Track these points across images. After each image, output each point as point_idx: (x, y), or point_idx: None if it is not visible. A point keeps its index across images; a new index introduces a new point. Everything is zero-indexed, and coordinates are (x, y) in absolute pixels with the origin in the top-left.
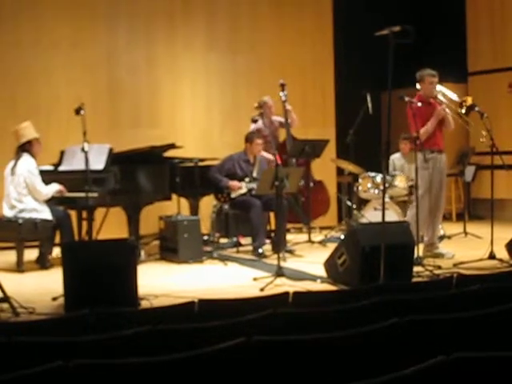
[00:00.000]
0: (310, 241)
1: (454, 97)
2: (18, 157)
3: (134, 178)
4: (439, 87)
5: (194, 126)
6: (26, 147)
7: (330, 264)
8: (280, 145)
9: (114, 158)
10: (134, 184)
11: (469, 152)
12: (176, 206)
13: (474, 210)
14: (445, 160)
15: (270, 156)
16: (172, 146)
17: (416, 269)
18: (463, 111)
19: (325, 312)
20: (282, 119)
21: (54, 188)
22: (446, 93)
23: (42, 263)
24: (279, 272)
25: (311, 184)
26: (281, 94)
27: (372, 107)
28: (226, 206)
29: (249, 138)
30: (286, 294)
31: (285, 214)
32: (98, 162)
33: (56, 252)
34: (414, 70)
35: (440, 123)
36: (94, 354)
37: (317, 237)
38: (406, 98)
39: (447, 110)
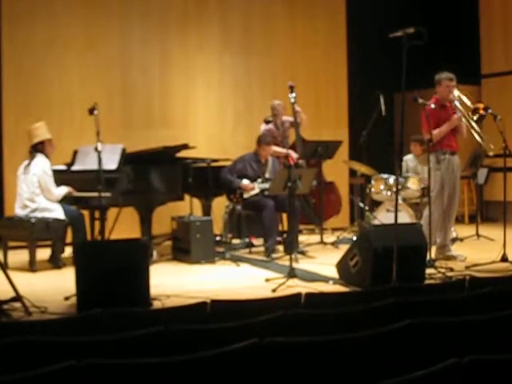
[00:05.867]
0: (322, 242)
1: (469, 103)
2: (32, 156)
3: (147, 178)
4: (457, 92)
5: (207, 127)
6: (38, 148)
7: (342, 265)
8: (290, 147)
9: (126, 158)
10: (146, 184)
11: (481, 154)
12: (188, 207)
13: (487, 212)
14: (458, 161)
15: (282, 150)
16: (185, 147)
17: (428, 271)
18: (475, 118)
19: (337, 313)
20: (292, 119)
21: (64, 190)
22: (463, 98)
23: (55, 262)
24: (291, 273)
25: (322, 185)
26: (290, 95)
27: (385, 108)
28: (239, 207)
29: (259, 141)
30: (299, 295)
31: (297, 215)
32: (110, 162)
33: (68, 251)
34: (428, 71)
35: (454, 127)
36: (105, 354)
37: (329, 238)
38: (420, 100)
39: (463, 119)
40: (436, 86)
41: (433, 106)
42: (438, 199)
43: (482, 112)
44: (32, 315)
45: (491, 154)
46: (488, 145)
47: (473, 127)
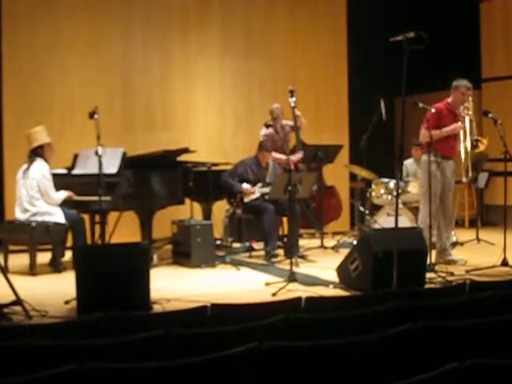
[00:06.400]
0: (322, 246)
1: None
2: (31, 160)
3: (147, 182)
4: (470, 112)
5: (207, 129)
6: (37, 152)
7: (342, 269)
8: (290, 151)
9: (127, 162)
10: (147, 188)
11: (482, 158)
12: (189, 211)
13: (487, 216)
14: (452, 166)
15: (282, 156)
16: (185, 151)
17: (428, 275)
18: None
19: (337, 317)
20: (293, 123)
21: (63, 195)
22: (472, 120)
23: (55, 266)
24: (292, 277)
25: (322, 189)
26: (290, 100)
27: (385, 112)
28: (239, 211)
29: (259, 147)
30: (299, 299)
31: (298, 219)
32: (111, 166)
33: (68, 255)
34: (428, 75)
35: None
36: (106, 358)
37: (329, 242)
38: (420, 104)
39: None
40: (452, 90)
41: (433, 110)
42: (429, 202)
43: (480, 146)
44: (32, 319)
45: (464, 180)
46: (466, 171)
47: (465, 148)
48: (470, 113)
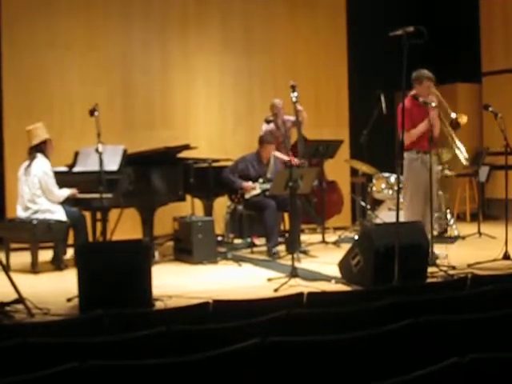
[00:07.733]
0: (324, 241)
1: (453, 114)
2: (32, 157)
3: (148, 179)
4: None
5: (208, 127)
6: (39, 148)
7: (344, 264)
8: (292, 146)
9: (128, 159)
10: (147, 185)
11: (483, 152)
12: (190, 207)
13: (489, 210)
14: (433, 159)
15: (284, 156)
16: (186, 147)
17: (430, 269)
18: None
19: (339, 313)
20: (294, 118)
21: (66, 192)
22: (441, 99)
23: (57, 264)
24: (293, 272)
25: (324, 184)
26: (291, 95)
27: (386, 107)
28: (240, 207)
29: (261, 141)
30: (301, 294)
31: (299, 215)
32: (112, 163)
33: (70, 253)
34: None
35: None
36: (108, 355)
37: (331, 237)
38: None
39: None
40: (415, 83)
41: (425, 101)
42: (415, 199)
43: (461, 122)
44: (34, 317)
45: (465, 163)
46: (464, 156)
47: (451, 135)
48: (434, 104)
